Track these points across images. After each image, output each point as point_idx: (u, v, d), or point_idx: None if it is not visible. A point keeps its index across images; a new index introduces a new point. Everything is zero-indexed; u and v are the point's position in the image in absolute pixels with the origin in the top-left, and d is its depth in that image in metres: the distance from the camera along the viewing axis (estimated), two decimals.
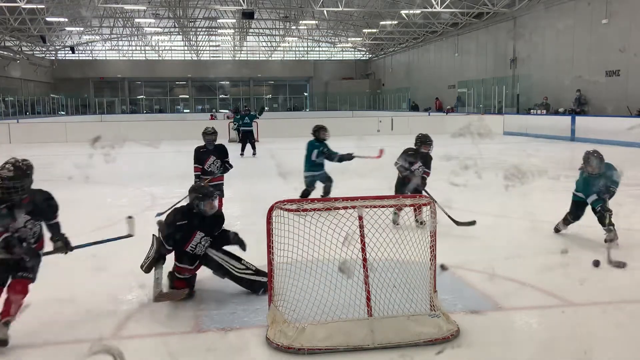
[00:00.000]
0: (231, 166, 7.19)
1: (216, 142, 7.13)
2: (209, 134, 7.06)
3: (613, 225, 5.35)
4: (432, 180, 6.69)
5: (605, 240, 5.30)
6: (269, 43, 47.06)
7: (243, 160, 14.66)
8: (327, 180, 7.69)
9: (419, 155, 6.52)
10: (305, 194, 7.49)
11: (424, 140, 6.56)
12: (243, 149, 15.00)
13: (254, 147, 14.93)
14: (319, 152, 7.61)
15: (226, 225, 4.59)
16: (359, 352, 3.40)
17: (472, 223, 6.23)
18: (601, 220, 5.39)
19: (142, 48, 46.18)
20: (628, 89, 18.13)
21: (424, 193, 6.28)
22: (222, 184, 7.16)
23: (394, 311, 3.69)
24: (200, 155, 6.99)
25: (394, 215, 5.80)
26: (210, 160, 6.97)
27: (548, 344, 3.64)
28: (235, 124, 21.06)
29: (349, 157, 7.61)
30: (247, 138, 15.15)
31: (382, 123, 23.56)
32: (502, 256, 5.28)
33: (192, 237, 4.34)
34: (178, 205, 4.95)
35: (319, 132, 7.85)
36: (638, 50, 17.59)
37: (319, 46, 48.00)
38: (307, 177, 7.65)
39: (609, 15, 18.82)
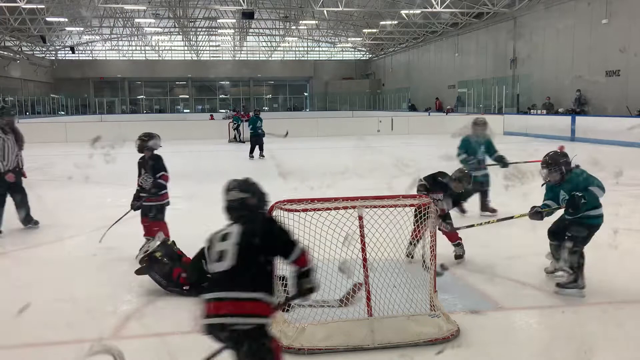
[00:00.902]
0: (157, 187, 5.44)
1: (155, 151, 5.58)
2: (137, 139, 5.54)
3: (577, 266, 4.29)
4: None
5: (557, 285, 4.40)
6: (269, 43, 47.07)
7: (244, 161, 14.66)
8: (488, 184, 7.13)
9: (444, 188, 5.34)
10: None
11: (461, 179, 5.34)
12: (252, 151, 14.89)
13: (261, 149, 14.82)
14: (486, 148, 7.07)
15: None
16: (359, 352, 3.40)
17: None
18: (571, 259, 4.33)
19: (142, 48, 46.20)
20: (628, 89, 18.13)
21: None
22: (155, 206, 5.50)
23: (394, 311, 3.69)
24: (137, 167, 5.61)
25: (410, 246, 4.95)
26: (142, 173, 5.53)
27: (548, 344, 3.64)
28: (235, 124, 21.09)
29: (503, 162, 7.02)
30: (257, 140, 14.95)
31: (382, 123, 23.58)
32: (502, 256, 5.28)
33: None
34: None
35: (473, 127, 7.27)
36: (638, 50, 17.59)
37: (319, 46, 48.01)
38: (476, 177, 6.95)
39: (609, 15, 18.81)
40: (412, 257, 4.99)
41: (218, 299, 2.41)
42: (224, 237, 2.49)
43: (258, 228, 2.49)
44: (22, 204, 6.77)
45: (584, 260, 4.32)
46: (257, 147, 14.82)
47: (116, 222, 5.77)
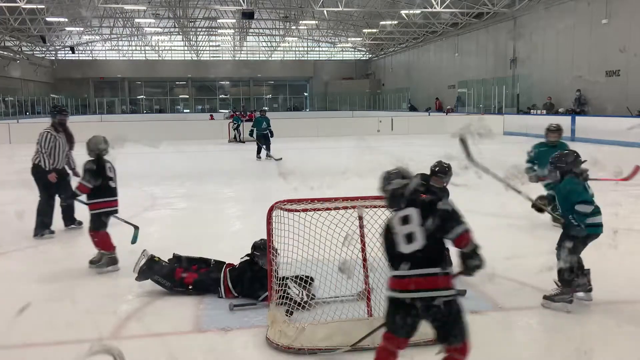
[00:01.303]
0: (72, 195, 5.43)
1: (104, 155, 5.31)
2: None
3: (568, 280, 4.04)
4: None
5: (545, 297, 4.16)
6: (269, 43, 47.08)
7: (245, 161, 14.65)
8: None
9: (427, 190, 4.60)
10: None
11: (434, 171, 4.92)
12: (259, 152, 14.79)
13: (268, 149, 14.71)
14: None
15: (225, 227, 4.58)
16: (359, 352, 3.40)
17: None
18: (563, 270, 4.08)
19: (142, 48, 46.21)
20: (628, 89, 18.13)
21: None
22: (92, 214, 5.21)
23: None
24: None
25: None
26: None
27: (548, 344, 3.64)
28: (235, 124, 21.08)
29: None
30: (263, 141, 14.84)
31: (382, 123, 23.60)
32: (502, 256, 5.27)
33: None
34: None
35: (546, 134, 6.78)
36: (638, 50, 17.60)
37: (319, 46, 48.01)
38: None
39: (609, 15, 18.82)
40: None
41: (417, 275, 2.59)
42: (405, 220, 2.62)
43: (432, 208, 2.64)
44: (67, 203, 6.68)
45: (575, 274, 4.11)
46: (263, 148, 14.75)
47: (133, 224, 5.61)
